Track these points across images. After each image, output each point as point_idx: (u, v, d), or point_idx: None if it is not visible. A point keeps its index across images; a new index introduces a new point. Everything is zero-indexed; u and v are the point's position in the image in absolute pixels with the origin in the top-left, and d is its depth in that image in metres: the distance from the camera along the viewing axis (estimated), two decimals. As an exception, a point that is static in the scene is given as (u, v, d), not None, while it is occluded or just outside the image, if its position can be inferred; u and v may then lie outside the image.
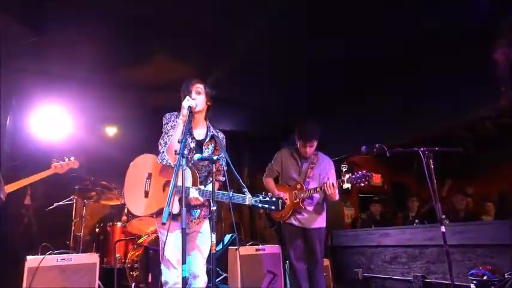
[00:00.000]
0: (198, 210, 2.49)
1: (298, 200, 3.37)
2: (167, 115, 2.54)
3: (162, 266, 2.35)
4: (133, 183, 2.52)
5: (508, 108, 4.10)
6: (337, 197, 3.31)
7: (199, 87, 2.47)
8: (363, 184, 3.16)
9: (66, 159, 3.52)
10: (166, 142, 2.41)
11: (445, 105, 4.53)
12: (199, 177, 2.38)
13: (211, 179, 2.44)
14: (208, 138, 2.53)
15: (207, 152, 2.51)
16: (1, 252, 3.78)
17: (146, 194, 2.44)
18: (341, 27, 3.55)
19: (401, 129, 5.51)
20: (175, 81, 2.57)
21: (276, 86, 4.82)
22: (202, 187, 2.33)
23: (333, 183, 3.20)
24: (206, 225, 2.53)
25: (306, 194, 3.35)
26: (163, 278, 2.32)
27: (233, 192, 2.25)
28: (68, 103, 4.70)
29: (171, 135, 2.39)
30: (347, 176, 3.24)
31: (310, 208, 3.43)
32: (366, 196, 7.81)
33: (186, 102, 2.32)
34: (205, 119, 2.60)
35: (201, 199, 2.28)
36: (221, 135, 2.63)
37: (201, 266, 2.42)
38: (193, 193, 2.26)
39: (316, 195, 3.43)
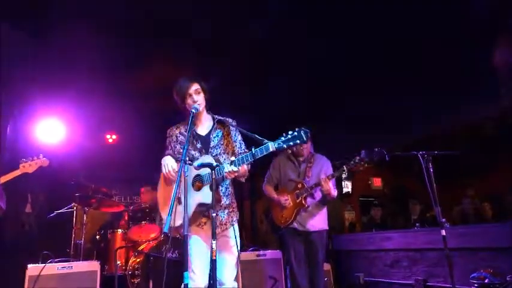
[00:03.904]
0: (225, 215, 2.42)
1: (300, 198, 3.38)
2: (168, 130, 2.59)
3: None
4: (164, 197, 2.46)
5: (508, 110, 4.11)
6: (333, 193, 3.34)
7: (197, 87, 2.43)
8: (361, 168, 3.15)
9: (35, 158, 3.50)
10: (166, 155, 2.49)
11: (446, 107, 4.54)
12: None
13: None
14: (214, 127, 2.48)
15: (216, 140, 2.45)
16: (2, 260, 3.78)
17: (179, 201, 2.31)
18: (340, 29, 3.58)
19: (401, 132, 5.52)
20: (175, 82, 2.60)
21: (275, 91, 4.84)
22: (233, 158, 2.23)
23: (328, 176, 3.25)
24: (232, 231, 2.42)
25: (308, 192, 3.36)
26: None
27: (253, 148, 2.13)
28: (68, 111, 4.71)
29: (170, 150, 2.50)
30: (345, 164, 3.26)
31: (313, 209, 3.44)
32: (366, 200, 7.79)
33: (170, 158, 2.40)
34: (207, 111, 2.57)
35: (236, 169, 2.17)
36: (230, 119, 2.55)
37: (226, 272, 2.35)
38: (227, 167, 2.16)
39: (318, 194, 3.45)
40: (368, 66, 4.17)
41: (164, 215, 2.44)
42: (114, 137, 5.57)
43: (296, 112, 5.12)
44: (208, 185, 2.25)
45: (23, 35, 3.35)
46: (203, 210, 2.31)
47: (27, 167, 3.44)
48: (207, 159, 2.27)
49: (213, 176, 2.09)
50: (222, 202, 2.41)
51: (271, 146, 2.05)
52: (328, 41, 3.74)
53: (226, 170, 2.16)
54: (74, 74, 4.17)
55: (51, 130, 4.75)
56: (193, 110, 2.30)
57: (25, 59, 3.77)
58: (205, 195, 2.27)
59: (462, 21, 3.41)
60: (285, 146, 2.05)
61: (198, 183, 2.33)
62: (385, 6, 3.26)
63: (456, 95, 4.40)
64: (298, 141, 2.04)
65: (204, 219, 2.38)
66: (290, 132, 2.05)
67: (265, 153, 2.08)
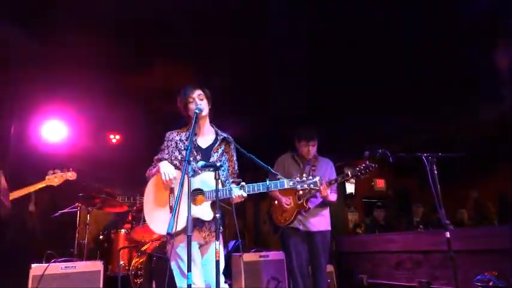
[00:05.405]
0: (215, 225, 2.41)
1: (302, 200, 3.38)
2: (167, 134, 2.54)
3: (176, 274, 2.32)
4: (154, 202, 2.44)
5: (508, 110, 4.10)
6: (331, 198, 3.38)
7: (200, 93, 2.46)
8: (366, 175, 3.19)
9: (65, 170, 3.37)
10: (159, 159, 2.47)
11: (446, 107, 4.51)
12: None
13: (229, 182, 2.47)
14: (217, 143, 2.50)
15: (215, 155, 2.47)
16: (6, 259, 3.79)
17: (172, 210, 2.30)
18: (341, 29, 3.56)
19: (403, 133, 5.50)
20: (178, 88, 2.59)
21: (277, 93, 4.84)
22: (243, 183, 2.27)
23: (327, 183, 3.28)
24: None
25: (310, 194, 3.35)
26: (178, 285, 2.28)
27: (268, 180, 2.21)
28: (72, 111, 4.74)
29: (166, 155, 2.46)
30: (350, 170, 3.27)
31: (314, 209, 3.44)
32: (369, 201, 7.77)
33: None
34: (210, 124, 2.58)
35: (245, 194, 2.24)
36: (230, 139, 2.60)
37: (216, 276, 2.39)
38: (236, 191, 2.22)
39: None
40: (369, 67, 4.16)
41: (151, 217, 2.45)
42: (117, 137, 5.58)
43: (297, 112, 5.12)
44: (209, 203, 2.25)
45: (26, 36, 3.36)
46: (196, 223, 2.28)
47: (52, 179, 3.32)
48: (207, 175, 2.27)
49: (217, 177, 2.05)
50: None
51: (287, 183, 2.21)
52: (329, 41, 3.74)
53: (235, 194, 2.21)
54: (78, 75, 4.18)
55: (55, 130, 4.78)
56: (196, 111, 2.31)
57: (28, 60, 3.78)
58: (204, 212, 2.24)
59: (462, 21, 3.40)
60: (298, 186, 2.23)
61: (200, 197, 2.29)
62: (385, 7, 3.26)
63: (456, 95, 4.38)
64: (312, 186, 2.23)
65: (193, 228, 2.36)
66: (305, 175, 2.24)
67: (279, 188, 2.23)
